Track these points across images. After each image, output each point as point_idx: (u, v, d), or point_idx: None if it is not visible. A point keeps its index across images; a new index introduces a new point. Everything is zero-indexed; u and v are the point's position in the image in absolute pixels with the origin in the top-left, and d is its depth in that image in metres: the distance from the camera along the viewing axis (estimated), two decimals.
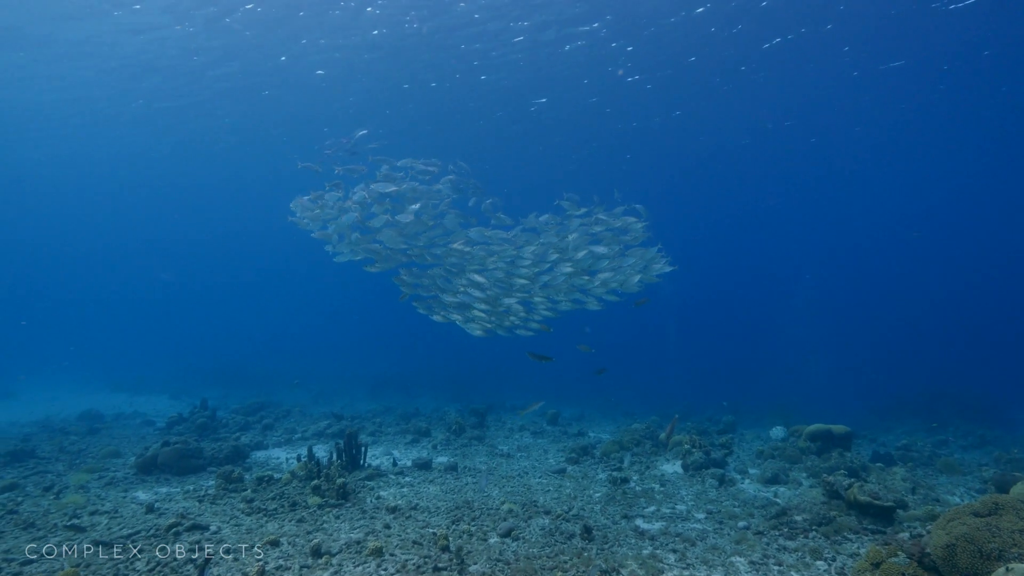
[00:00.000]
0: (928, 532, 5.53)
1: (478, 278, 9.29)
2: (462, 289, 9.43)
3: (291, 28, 17.58)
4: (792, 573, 5.28)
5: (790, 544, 6.03)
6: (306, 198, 9.43)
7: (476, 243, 9.54)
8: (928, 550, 4.44)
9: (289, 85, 21.42)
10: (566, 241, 9.23)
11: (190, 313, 63.44)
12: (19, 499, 7.21)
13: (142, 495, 7.69)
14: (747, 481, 9.01)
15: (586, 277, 9.39)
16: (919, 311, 49.19)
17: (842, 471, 8.35)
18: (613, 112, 23.12)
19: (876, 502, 6.36)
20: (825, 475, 7.68)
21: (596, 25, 17.17)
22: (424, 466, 9.50)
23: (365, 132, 9.90)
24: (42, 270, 58.21)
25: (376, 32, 17.69)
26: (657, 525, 6.76)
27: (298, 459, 9.08)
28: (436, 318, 9.67)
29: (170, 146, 28.03)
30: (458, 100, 22.17)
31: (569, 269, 9.08)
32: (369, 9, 16.47)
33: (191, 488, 8.09)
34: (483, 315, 9.66)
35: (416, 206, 9.07)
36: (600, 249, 9.08)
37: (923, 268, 48.69)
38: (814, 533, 6.27)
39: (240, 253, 55.77)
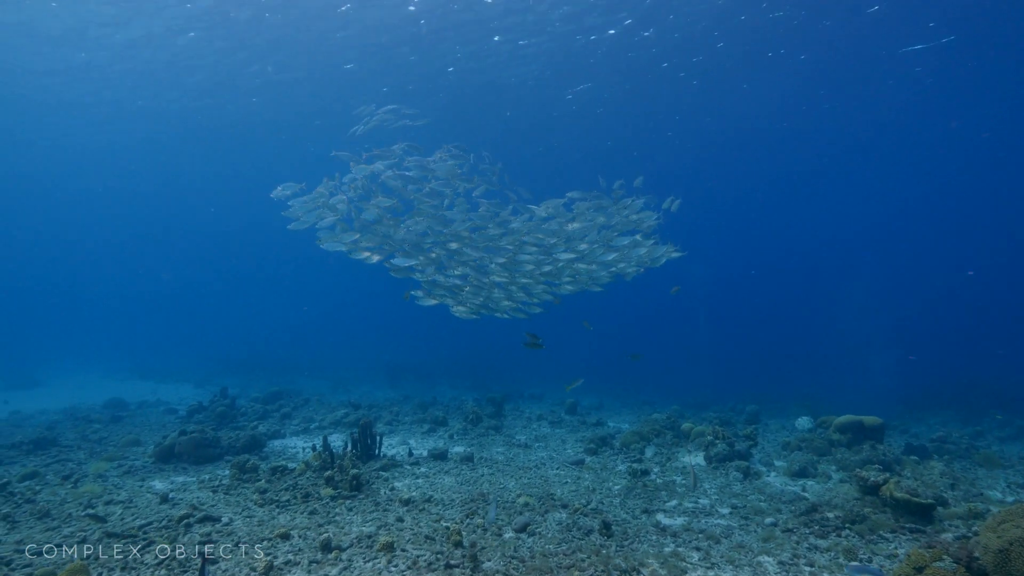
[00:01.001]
0: (975, 534, 5.17)
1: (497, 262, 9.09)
2: (459, 273, 9.21)
3: (328, 23, 17.51)
4: (824, 575, 4.98)
5: (821, 543, 5.71)
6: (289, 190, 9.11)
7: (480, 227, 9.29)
8: (977, 554, 4.10)
9: (316, 80, 21.40)
10: (570, 229, 8.91)
11: (216, 303, 64.60)
12: (38, 488, 7.24)
13: (158, 484, 7.69)
14: (773, 474, 8.67)
15: (584, 265, 9.22)
16: (950, 299, 47.56)
17: (875, 465, 7.96)
18: (647, 97, 22.43)
19: (915, 499, 6.00)
20: (857, 469, 7.32)
21: (626, 18, 16.71)
22: (440, 456, 9.36)
23: (393, 107, 9.66)
24: (73, 261, 59.67)
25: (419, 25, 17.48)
26: (679, 520, 6.50)
27: (313, 449, 9.01)
28: (430, 301, 9.38)
29: (197, 140, 28.23)
30: (488, 91, 21.84)
31: (569, 255, 8.77)
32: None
33: (207, 477, 8.07)
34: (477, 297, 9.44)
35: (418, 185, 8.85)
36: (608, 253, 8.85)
37: (955, 255, 46.97)
38: (847, 531, 5.94)
39: (264, 243, 56.44)
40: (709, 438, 8.96)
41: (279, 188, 8.81)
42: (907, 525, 5.93)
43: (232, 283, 67.53)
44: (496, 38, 18.29)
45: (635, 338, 47.94)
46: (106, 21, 17.66)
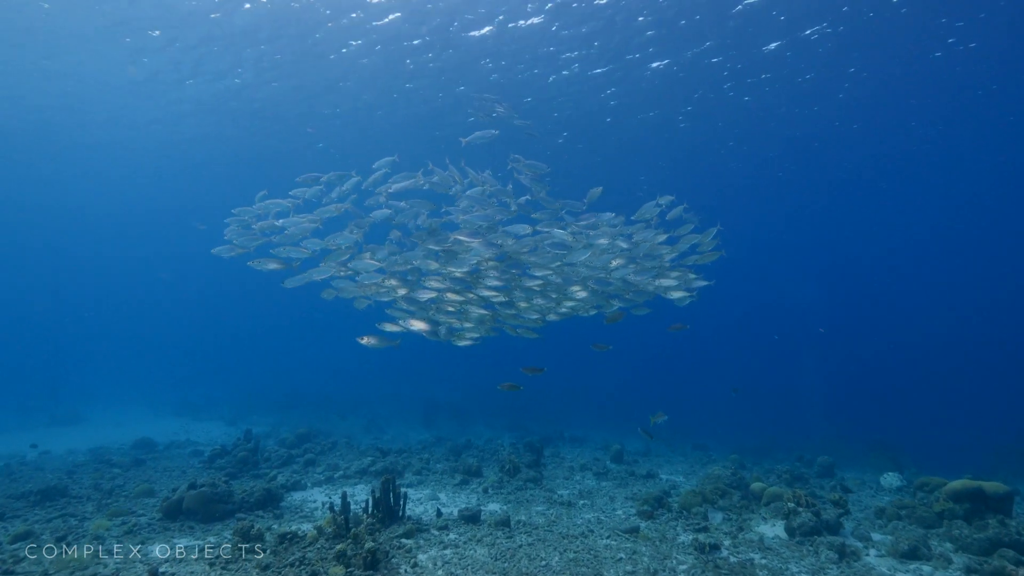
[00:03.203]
0: None
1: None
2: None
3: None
4: None
5: None
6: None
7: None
8: None
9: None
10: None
11: (254, 338, 65.70)
12: (22, 554, 6.49)
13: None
14: (873, 552, 7.13)
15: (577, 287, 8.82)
16: None
17: (1007, 548, 6.38)
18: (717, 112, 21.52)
19: None
20: (987, 560, 5.80)
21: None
22: (472, 519, 8.21)
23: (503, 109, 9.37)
24: (121, 295, 62.05)
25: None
26: None
27: (331, 509, 8.04)
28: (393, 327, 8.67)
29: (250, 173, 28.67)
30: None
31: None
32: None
33: (212, 541, 7.19)
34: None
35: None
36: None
37: None
38: None
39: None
40: (790, 504, 7.50)
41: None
42: None
43: (273, 319, 68.67)
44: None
45: (678, 371, 45.56)
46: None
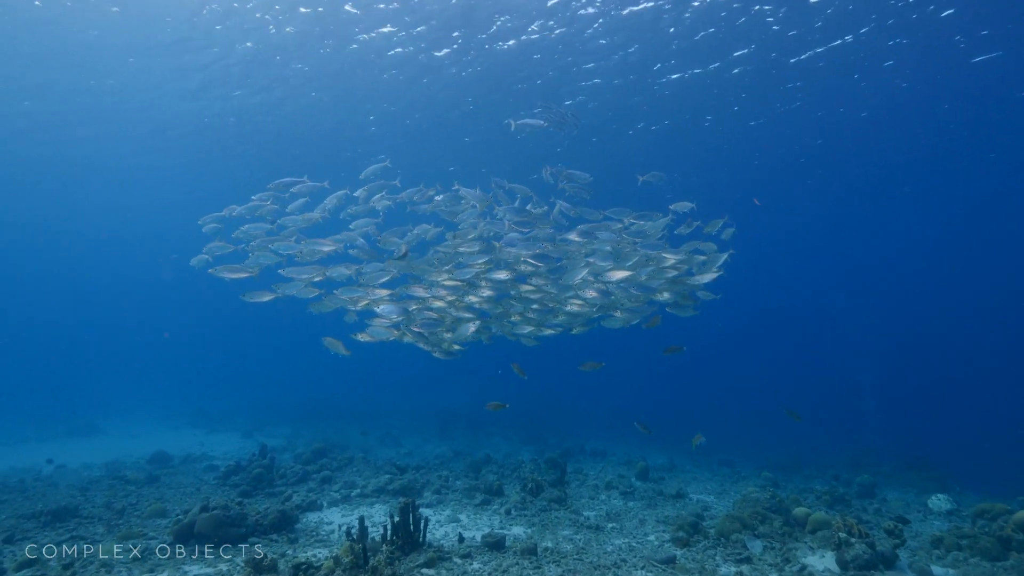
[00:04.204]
0: None
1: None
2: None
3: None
4: None
5: None
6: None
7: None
8: None
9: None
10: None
11: (269, 348, 65.91)
12: None
13: None
14: None
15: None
16: None
17: None
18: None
19: None
20: None
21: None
22: (496, 546, 7.74)
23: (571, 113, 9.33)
24: (138, 304, 62.64)
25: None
26: None
27: (347, 534, 7.62)
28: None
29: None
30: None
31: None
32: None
33: (224, 569, 6.82)
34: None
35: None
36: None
37: None
38: None
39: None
40: (842, 535, 6.92)
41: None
42: None
43: (287, 328, 68.97)
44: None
45: (696, 380, 44.46)
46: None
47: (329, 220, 9.14)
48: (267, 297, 8.43)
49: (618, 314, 8.78)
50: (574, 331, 9.49)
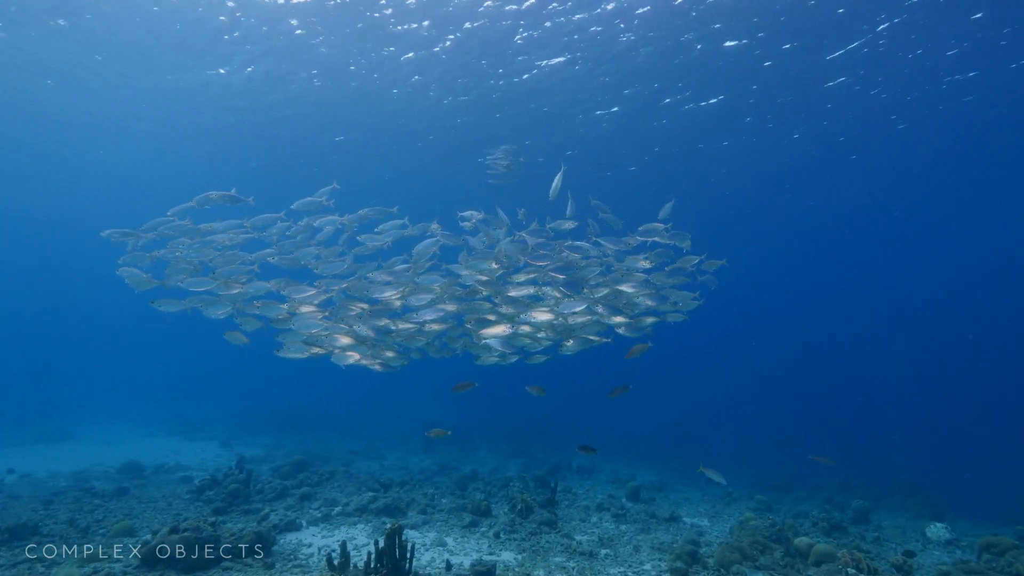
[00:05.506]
0: None
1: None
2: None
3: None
4: None
5: None
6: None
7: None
8: None
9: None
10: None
11: (250, 355, 64.58)
12: None
13: None
14: None
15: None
16: None
17: None
18: None
19: None
20: None
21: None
22: (486, 575, 7.33)
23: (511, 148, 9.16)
24: (112, 306, 61.04)
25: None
26: None
27: (328, 560, 7.16)
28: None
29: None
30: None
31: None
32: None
33: None
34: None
35: None
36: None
37: None
38: None
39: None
40: (851, 571, 6.63)
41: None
42: None
43: (268, 336, 67.79)
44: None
45: (682, 396, 44.30)
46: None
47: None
48: (178, 307, 8.47)
49: (569, 343, 8.77)
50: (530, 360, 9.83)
